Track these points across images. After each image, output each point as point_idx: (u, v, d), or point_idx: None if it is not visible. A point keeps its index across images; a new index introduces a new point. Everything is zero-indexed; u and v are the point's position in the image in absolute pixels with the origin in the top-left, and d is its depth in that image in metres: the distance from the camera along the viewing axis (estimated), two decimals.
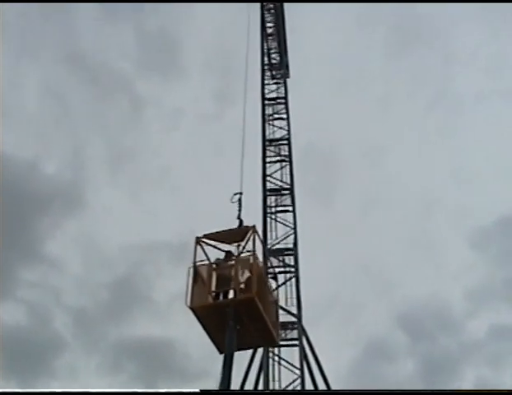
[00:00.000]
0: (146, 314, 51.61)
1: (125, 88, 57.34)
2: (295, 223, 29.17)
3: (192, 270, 18.37)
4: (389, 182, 54.50)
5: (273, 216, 29.46)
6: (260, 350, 26.78)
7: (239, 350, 18.88)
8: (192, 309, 18.12)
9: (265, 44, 34.18)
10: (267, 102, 32.51)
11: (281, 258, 28.60)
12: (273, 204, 29.73)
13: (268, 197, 29.83)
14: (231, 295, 18.04)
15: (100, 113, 57.85)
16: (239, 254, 18.70)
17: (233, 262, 18.60)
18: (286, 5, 34.72)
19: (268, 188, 29.96)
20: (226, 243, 19.23)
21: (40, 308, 48.73)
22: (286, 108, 32.39)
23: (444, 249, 52.27)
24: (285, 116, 32.12)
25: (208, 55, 58.84)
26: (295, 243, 28.81)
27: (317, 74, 50.76)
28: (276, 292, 22.65)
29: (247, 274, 18.22)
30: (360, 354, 49.33)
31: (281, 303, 27.39)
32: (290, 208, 29.48)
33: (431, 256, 53.61)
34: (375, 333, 49.92)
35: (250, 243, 18.48)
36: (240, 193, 19.84)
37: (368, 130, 54.65)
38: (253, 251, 18.32)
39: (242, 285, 18.03)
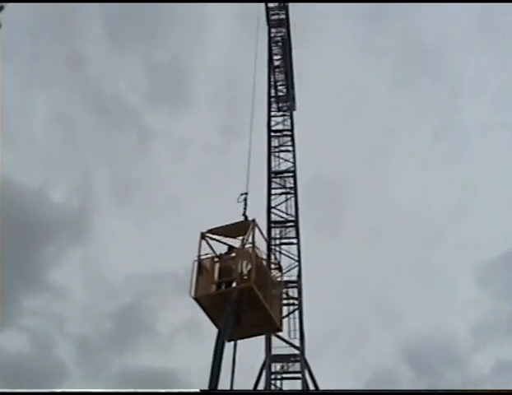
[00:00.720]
0: (150, 344, 51.64)
1: (133, 119, 57.92)
2: (299, 255, 29.20)
3: (196, 263, 19.29)
4: (395, 213, 54.56)
5: (277, 248, 29.50)
6: (263, 381, 26.77)
7: (243, 338, 20.02)
8: (196, 299, 19.05)
9: (272, 77, 34.39)
10: (273, 134, 32.71)
11: (284, 290, 28.58)
12: (278, 236, 29.79)
13: (273, 229, 29.90)
14: (234, 285, 18.82)
15: (108, 143, 58.51)
16: (242, 247, 19.46)
17: (234, 254, 19.53)
18: (293, 37, 35.04)
19: (273, 220, 30.06)
20: (230, 237, 20.19)
21: (43, 336, 48.80)
22: (292, 140, 32.54)
23: (450, 282, 52.18)
24: (291, 148, 32.28)
25: (216, 88, 59.52)
26: (299, 276, 28.84)
27: (323, 105, 51.10)
28: (280, 279, 22.77)
29: (247, 265, 19.10)
30: (363, 387, 49.08)
31: (285, 335, 27.52)
32: (295, 240, 29.53)
33: (437, 289, 53.43)
34: (379, 367, 49.77)
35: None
36: (246, 193, 20.94)
37: (374, 160, 54.90)
38: (253, 243, 19.17)
39: (243, 276, 18.87)
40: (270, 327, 21.43)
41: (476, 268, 54.97)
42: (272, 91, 34.19)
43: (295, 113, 34.13)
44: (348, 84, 58.51)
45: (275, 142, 32.51)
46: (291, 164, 31.69)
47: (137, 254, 53.22)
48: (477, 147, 57.18)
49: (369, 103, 59.38)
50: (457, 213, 56.37)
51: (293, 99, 34.59)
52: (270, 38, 34.63)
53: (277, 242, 29.57)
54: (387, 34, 61.91)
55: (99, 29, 60.07)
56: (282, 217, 30.16)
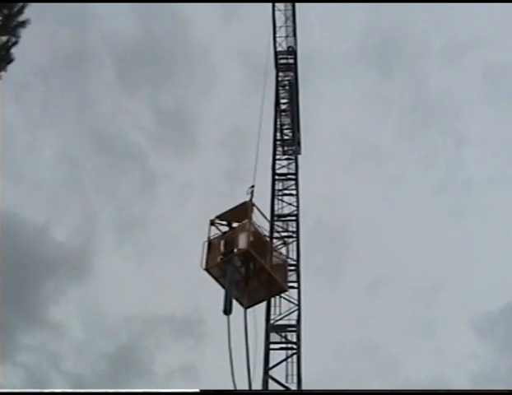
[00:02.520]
0: (145, 386, 51.15)
1: (138, 160, 58.35)
2: (299, 300, 28.95)
3: (206, 243, 23.49)
4: (397, 262, 54.29)
5: None
6: None
7: (253, 305, 23.90)
8: (206, 269, 23.07)
9: (278, 120, 34.56)
10: (277, 177, 32.72)
11: (283, 334, 28.35)
12: None
13: None
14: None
15: (112, 183, 58.77)
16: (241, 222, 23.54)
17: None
18: (301, 81, 35.37)
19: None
20: (235, 221, 23.92)
21: (39, 372, 48.40)
22: (296, 184, 32.51)
23: (449, 334, 51.76)
24: (294, 192, 32.20)
25: (222, 132, 59.98)
26: (299, 320, 28.55)
27: (328, 150, 51.50)
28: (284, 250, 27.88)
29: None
30: None
31: (282, 379, 27.21)
32: (296, 285, 29.26)
33: (435, 339, 53.06)
34: None
35: (254, 216, 23.58)
36: (253, 186, 24.53)
37: (378, 209, 54.95)
38: (250, 217, 23.17)
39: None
40: (275, 289, 25.02)
41: (476, 320, 54.58)
42: (278, 135, 34.33)
43: (300, 157, 34.25)
44: (354, 131, 59.07)
45: (279, 186, 32.51)
46: (295, 208, 31.59)
47: (136, 294, 53.21)
48: (480, 199, 57.31)
49: (374, 151, 59.71)
50: (458, 265, 56.32)
51: (298, 143, 34.67)
52: (277, 81, 34.96)
53: None
54: (395, 82, 62.51)
55: (110, 71, 60.91)
56: None
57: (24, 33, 15.06)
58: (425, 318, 53.56)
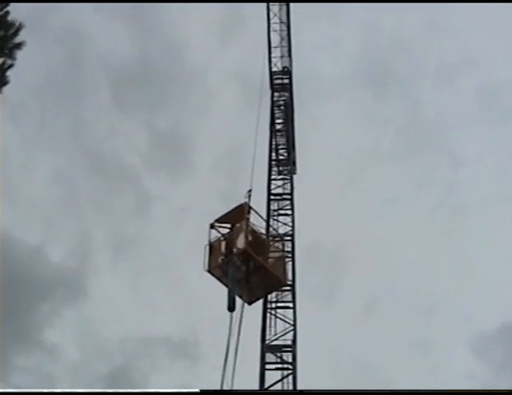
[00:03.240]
0: None
1: (133, 182, 58.44)
2: (294, 320, 28.87)
3: (208, 247, 25.68)
4: (393, 282, 54.20)
5: (273, 312, 29.19)
6: None
7: (256, 300, 26.58)
8: (209, 271, 25.31)
9: (274, 140, 34.63)
10: (272, 197, 32.70)
11: (278, 355, 28.26)
12: (274, 300, 29.52)
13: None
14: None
15: (107, 204, 58.84)
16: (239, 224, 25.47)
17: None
18: (296, 102, 35.50)
19: None
20: (234, 222, 25.81)
21: None
22: (292, 204, 32.46)
23: (446, 353, 51.62)
24: (290, 212, 32.16)
25: (217, 154, 60.10)
26: (294, 341, 28.45)
27: (324, 171, 51.45)
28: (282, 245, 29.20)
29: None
30: None
31: None
32: (291, 305, 29.20)
33: (432, 359, 52.85)
34: None
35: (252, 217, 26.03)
36: (250, 190, 26.88)
37: (373, 229, 54.89)
38: (247, 217, 25.36)
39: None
40: (276, 284, 27.13)
41: (473, 340, 54.47)
42: (273, 155, 34.39)
43: (295, 177, 34.29)
44: (349, 151, 59.11)
45: (274, 206, 32.48)
46: (290, 228, 31.54)
47: (131, 315, 53.05)
48: (475, 220, 57.29)
49: (369, 172, 59.83)
50: (454, 284, 56.20)
51: (294, 163, 34.76)
52: (273, 102, 35.10)
53: (273, 305, 29.29)
54: (390, 103, 62.77)
55: (105, 92, 61.13)
56: None
57: (20, 54, 15.09)
58: (422, 338, 53.46)
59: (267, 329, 28.75)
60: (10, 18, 14.89)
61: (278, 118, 35.17)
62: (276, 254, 27.55)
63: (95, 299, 54.25)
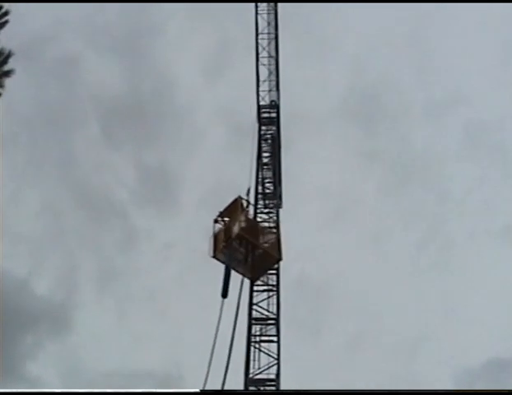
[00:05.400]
0: None
1: (120, 217, 58.41)
2: (278, 354, 28.79)
3: (212, 238, 29.74)
4: (378, 317, 53.99)
5: (257, 345, 29.11)
6: None
7: (258, 277, 30.24)
8: (214, 257, 29.36)
9: (260, 173, 34.68)
10: None
11: (262, 388, 28.12)
12: (258, 333, 29.44)
13: (253, 326, 29.54)
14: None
15: (94, 237, 58.69)
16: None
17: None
18: (283, 136, 35.67)
19: (254, 316, 29.73)
20: (232, 215, 29.85)
21: None
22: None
23: (430, 389, 51.23)
24: None
25: (204, 190, 60.19)
26: (278, 374, 28.35)
27: (310, 205, 51.64)
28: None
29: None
30: None
31: None
32: (275, 339, 29.14)
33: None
34: None
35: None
36: (249, 188, 31.58)
37: (360, 264, 54.87)
38: (241, 208, 29.64)
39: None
40: (272, 260, 30.20)
41: (457, 376, 54.04)
42: (260, 188, 34.44)
43: (281, 211, 34.32)
44: (337, 186, 59.30)
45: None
46: None
47: (115, 349, 52.58)
48: (461, 256, 57.40)
49: (356, 207, 60.07)
50: (439, 320, 56.10)
51: (280, 197, 34.79)
52: (260, 135, 35.23)
53: (257, 339, 29.20)
54: (378, 139, 63.07)
55: (95, 125, 61.25)
56: (263, 314, 29.87)
57: (10, 83, 14.81)
58: (407, 373, 53.12)
59: (251, 363, 28.65)
60: None
61: (265, 152, 35.32)
62: (271, 236, 31.06)
63: (80, 332, 53.77)
